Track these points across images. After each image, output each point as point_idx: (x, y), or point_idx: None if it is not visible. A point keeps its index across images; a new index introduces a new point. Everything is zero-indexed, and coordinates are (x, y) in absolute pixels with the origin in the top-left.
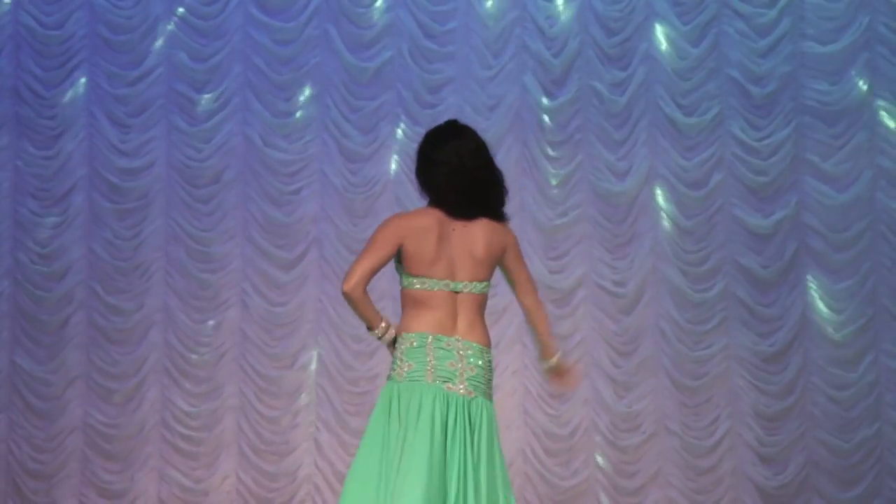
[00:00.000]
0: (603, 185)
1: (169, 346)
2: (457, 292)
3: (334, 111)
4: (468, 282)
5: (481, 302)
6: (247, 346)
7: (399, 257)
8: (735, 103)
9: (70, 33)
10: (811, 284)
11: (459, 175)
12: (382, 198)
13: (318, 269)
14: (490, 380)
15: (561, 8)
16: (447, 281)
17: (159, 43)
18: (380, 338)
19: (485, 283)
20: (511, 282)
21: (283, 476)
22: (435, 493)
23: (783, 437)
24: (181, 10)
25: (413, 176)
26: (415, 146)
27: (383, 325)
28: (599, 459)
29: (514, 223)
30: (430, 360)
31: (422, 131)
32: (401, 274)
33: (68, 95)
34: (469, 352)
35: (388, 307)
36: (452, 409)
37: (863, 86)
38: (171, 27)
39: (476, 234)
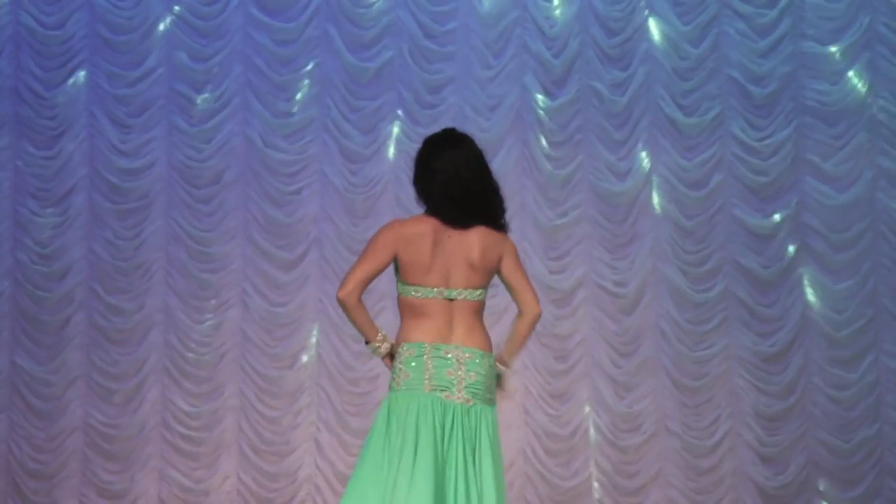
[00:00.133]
0: (603, 185)
1: (169, 347)
2: (451, 300)
3: (335, 111)
4: (462, 289)
5: (478, 308)
6: (247, 347)
7: (396, 265)
8: (735, 103)
9: (70, 33)
10: (811, 285)
11: (455, 185)
12: (383, 198)
13: (318, 269)
14: (491, 385)
15: (561, 8)
16: (441, 288)
17: (160, 43)
18: (376, 349)
19: (480, 291)
20: (510, 290)
21: (284, 476)
22: None
23: (784, 438)
24: (177, 8)
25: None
26: (415, 146)
27: (379, 337)
28: (600, 460)
29: (515, 223)
30: (428, 370)
31: (422, 131)
32: (398, 282)
33: (69, 95)
34: (469, 358)
35: (388, 307)
36: (449, 419)
37: (863, 86)
38: (170, 27)
39: (471, 242)
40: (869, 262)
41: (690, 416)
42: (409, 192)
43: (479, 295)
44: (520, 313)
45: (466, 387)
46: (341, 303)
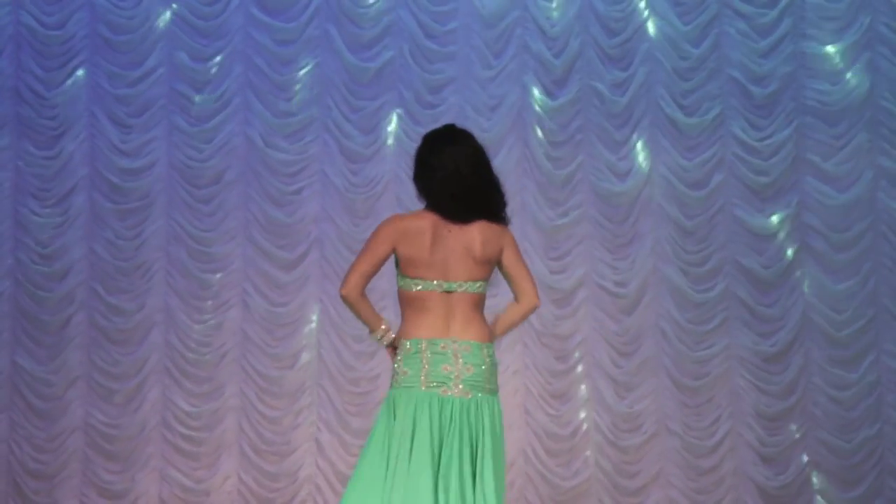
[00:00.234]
0: (604, 185)
1: (170, 347)
2: (451, 292)
3: (335, 111)
4: (463, 281)
5: (477, 300)
6: (248, 347)
7: (395, 259)
8: (736, 103)
9: (71, 33)
10: (812, 285)
11: (455, 180)
12: (383, 198)
13: (319, 269)
14: (492, 375)
15: (562, 8)
16: (440, 281)
17: (160, 43)
18: (379, 339)
19: (480, 283)
20: (510, 281)
21: (285, 476)
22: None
23: (784, 438)
24: (177, 7)
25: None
26: (416, 146)
27: (383, 327)
28: (600, 460)
29: (515, 223)
30: (424, 367)
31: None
32: (397, 274)
33: (69, 95)
34: (466, 350)
35: (389, 307)
36: (447, 415)
37: (864, 86)
38: (171, 27)
39: (473, 236)
40: (869, 262)
41: (691, 416)
42: (410, 192)
43: (480, 287)
44: (517, 301)
45: (464, 380)
46: (344, 299)
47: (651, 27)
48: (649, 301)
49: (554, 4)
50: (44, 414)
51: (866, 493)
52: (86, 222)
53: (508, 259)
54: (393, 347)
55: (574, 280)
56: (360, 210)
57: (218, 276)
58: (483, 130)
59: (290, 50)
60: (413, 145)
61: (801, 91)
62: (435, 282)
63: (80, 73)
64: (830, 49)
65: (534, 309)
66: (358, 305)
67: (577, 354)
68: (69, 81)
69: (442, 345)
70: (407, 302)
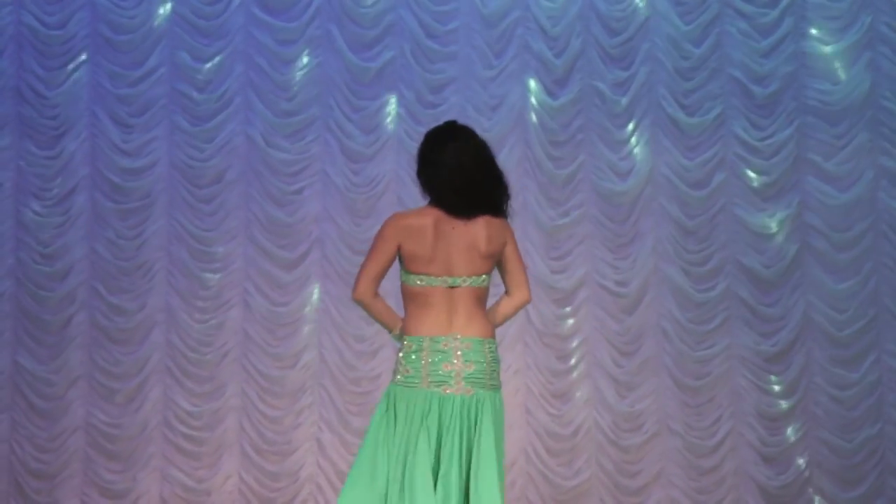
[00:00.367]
0: (605, 184)
1: (171, 346)
2: (455, 287)
3: (336, 111)
4: (467, 276)
5: (480, 294)
6: (249, 346)
7: (399, 255)
8: (737, 103)
9: (72, 33)
10: (813, 284)
11: (458, 176)
12: (384, 198)
13: (320, 269)
14: (493, 371)
15: (563, 8)
16: (445, 277)
17: (161, 43)
18: (399, 338)
19: (484, 277)
20: (505, 273)
21: (286, 476)
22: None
23: (785, 437)
24: (179, 7)
25: (414, 175)
26: (417, 146)
27: (401, 325)
28: (601, 459)
29: (516, 223)
30: (426, 365)
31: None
32: (401, 269)
33: (70, 95)
34: (467, 347)
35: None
36: (447, 413)
37: (865, 85)
38: (172, 26)
39: (478, 231)
40: (871, 262)
41: (692, 415)
42: (411, 192)
43: (483, 281)
44: (508, 294)
45: (465, 378)
46: (357, 303)
47: (652, 27)
48: (650, 301)
49: (555, 4)
50: (45, 413)
51: (867, 492)
52: (87, 222)
53: (509, 253)
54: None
55: (575, 280)
56: (361, 210)
57: (219, 275)
58: (484, 130)
59: (292, 49)
60: (414, 145)
61: (802, 91)
62: (439, 277)
63: (81, 72)
64: (831, 49)
65: (525, 304)
66: (372, 307)
67: (578, 354)
68: (70, 81)
69: (444, 342)
70: (411, 297)
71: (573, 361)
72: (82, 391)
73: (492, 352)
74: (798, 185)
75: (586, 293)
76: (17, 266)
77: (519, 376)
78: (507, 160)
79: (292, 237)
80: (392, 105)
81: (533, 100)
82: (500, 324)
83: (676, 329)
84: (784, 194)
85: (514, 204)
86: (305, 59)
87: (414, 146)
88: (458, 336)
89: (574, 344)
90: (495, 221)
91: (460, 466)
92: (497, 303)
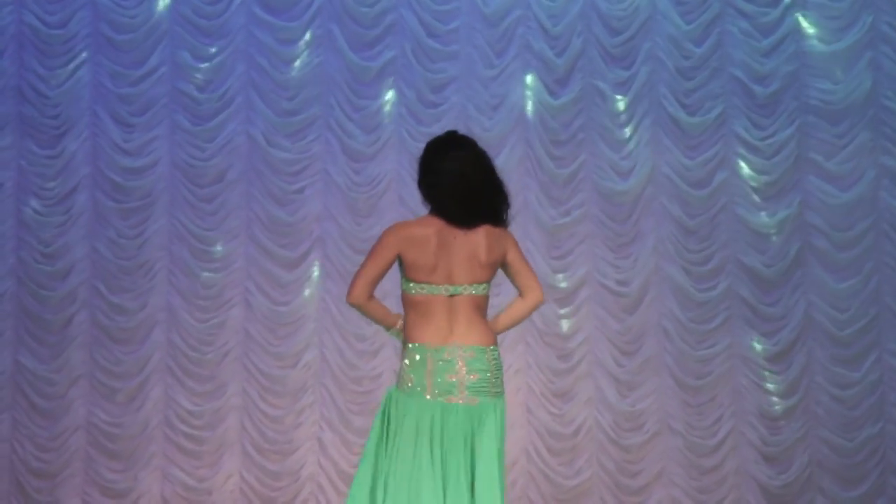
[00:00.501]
0: (606, 184)
1: (172, 346)
2: (455, 295)
3: (337, 110)
4: (467, 284)
5: (480, 303)
6: (250, 345)
7: (400, 263)
8: (738, 102)
9: (73, 32)
10: (814, 283)
11: (460, 185)
12: (386, 197)
13: (321, 268)
14: (497, 378)
15: (564, 7)
16: (446, 286)
17: (162, 42)
18: (398, 333)
19: (484, 285)
20: (514, 279)
21: (287, 475)
22: None
23: (787, 437)
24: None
25: (415, 175)
26: (418, 145)
27: (400, 323)
28: (603, 458)
29: (517, 222)
30: (430, 375)
31: (425, 130)
32: (402, 277)
33: (72, 94)
34: (470, 356)
35: (390, 306)
36: (451, 422)
37: (866, 85)
38: (173, 26)
39: (478, 241)
40: (872, 261)
41: (693, 414)
42: (412, 191)
43: (484, 289)
44: (521, 297)
45: (468, 387)
46: (353, 306)
47: (653, 26)
48: (651, 300)
49: (556, 3)
50: (46, 413)
51: (869, 491)
52: (88, 221)
53: (512, 258)
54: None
55: (576, 279)
56: (362, 209)
57: (220, 274)
58: (485, 129)
59: (293, 49)
60: (415, 144)
61: (803, 90)
62: (441, 286)
63: (82, 72)
64: (833, 48)
65: (539, 304)
66: (367, 309)
67: (579, 353)
68: (71, 80)
69: (446, 353)
70: (412, 305)
71: (574, 361)
72: (83, 390)
73: (495, 359)
74: (799, 185)
75: (587, 292)
76: (19, 265)
77: (520, 375)
78: (508, 159)
79: (293, 236)
80: (393, 104)
81: (534, 99)
82: (505, 329)
83: (677, 328)
84: (785, 194)
85: (516, 203)
86: (306, 59)
87: (415, 146)
88: (460, 344)
89: (575, 343)
90: (495, 231)
91: (467, 473)
92: (510, 305)
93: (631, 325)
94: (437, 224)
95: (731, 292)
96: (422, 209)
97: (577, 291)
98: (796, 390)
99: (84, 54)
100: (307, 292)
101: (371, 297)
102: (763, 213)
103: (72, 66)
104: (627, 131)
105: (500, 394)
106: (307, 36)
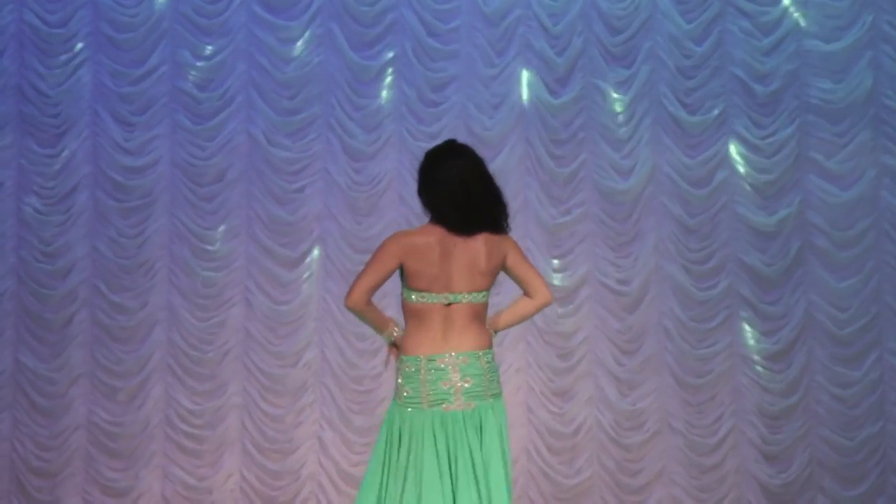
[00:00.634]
0: (606, 183)
1: (173, 345)
2: (454, 303)
3: (338, 109)
4: (466, 292)
5: (479, 310)
6: (250, 345)
7: (402, 271)
8: (739, 101)
9: (74, 31)
10: (815, 282)
11: (459, 194)
12: (386, 196)
13: (321, 267)
14: (491, 381)
15: (564, 6)
16: (445, 294)
17: (163, 41)
18: (388, 337)
19: (484, 293)
20: (520, 282)
21: (287, 474)
22: None
23: (787, 435)
24: (180, 5)
25: (416, 174)
26: (419, 145)
27: (390, 328)
28: (603, 457)
29: (518, 221)
30: (425, 385)
31: (425, 130)
32: (403, 287)
33: (72, 93)
34: (463, 362)
35: (391, 305)
36: (451, 429)
37: (867, 84)
38: (173, 25)
39: (478, 249)
40: (872, 260)
41: (694, 413)
42: (413, 190)
43: (483, 297)
44: (528, 296)
45: (464, 393)
46: (350, 310)
47: (654, 25)
48: (652, 299)
49: (557, 2)
50: (47, 412)
51: (869, 490)
52: (88, 220)
53: (514, 262)
54: (396, 346)
55: (577, 278)
56: (362, 208)
57: (221, 273)
58: (485, 129)
59: (293, 47)
60: (416, 144)
61: (803, 89)
62: (441, 294)
63: (82, 70)
64: (833, 47)
65: (547, 304)
66: (364, 314)
67: (579, 352)
68: (72, 79)
69: (440, 360)
70: (412, 313)
71: (575, 359)
72: (84, 389)
73: (489, 362)
74: (799, 184)
75: (588, 291)
76: (19, 264)
77: (520, 374)
78: (509, 159)
79: (294, 235)
80: (393, 103)
81: (534, 98)
82: (508, 325)
83: (678, 327)
84: (786, 193)
85: (516, 202)
86: (307, 58)
87: (416, 145)
88: (454, 352)
89: (576, 342)
90: (494, 238)
91: (476, 477)
92: (515, 302)
93: (631, 323)
94: (438, 233)
95: (732, 291)
96: (421, 207)
97: (577, 290)
98: (797, 389)
99: (84, 53)
100: (307, 291)
101: (369, 302)
102: (763, 212)
103: (72, 65)
104: (628, 130)
105: (497, 395)
106: (307, 35)
